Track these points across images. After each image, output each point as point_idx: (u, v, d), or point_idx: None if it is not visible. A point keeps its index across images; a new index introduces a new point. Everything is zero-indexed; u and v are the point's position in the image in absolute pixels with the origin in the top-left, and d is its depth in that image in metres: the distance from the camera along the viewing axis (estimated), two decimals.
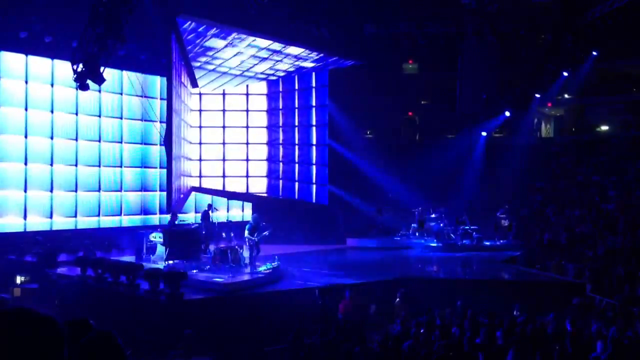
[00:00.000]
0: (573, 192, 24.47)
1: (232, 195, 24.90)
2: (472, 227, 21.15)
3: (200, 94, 24.59)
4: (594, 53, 25.85)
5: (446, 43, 24.77)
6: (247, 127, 25.29)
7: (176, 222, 17.09)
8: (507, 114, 25.95)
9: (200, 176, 24.51)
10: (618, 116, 28.85)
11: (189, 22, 18.11)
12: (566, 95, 29.23)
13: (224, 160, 24.93)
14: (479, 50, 24.98)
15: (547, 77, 26.52)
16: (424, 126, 29.53)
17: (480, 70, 25.58)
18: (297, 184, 24.94)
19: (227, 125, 25.04)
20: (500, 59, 25.56)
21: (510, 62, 25.84)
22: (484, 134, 26.56)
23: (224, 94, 25.01)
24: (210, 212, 17.89)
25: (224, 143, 24.94)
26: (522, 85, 26.17)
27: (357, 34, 23.71)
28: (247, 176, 25.24)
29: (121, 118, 21.37)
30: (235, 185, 25.04)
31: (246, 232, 15.25)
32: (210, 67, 22.14)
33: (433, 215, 22.24)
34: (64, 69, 16.55)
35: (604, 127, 29.65)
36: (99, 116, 20.63)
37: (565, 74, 26.41)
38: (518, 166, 25.47)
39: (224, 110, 25.03)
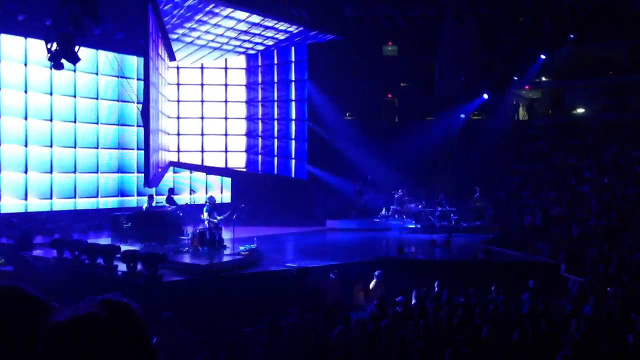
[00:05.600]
0: (549, 174, 24.79)
1: (210, 170, 24.77)
2: (450, 209, 21.34)
3: (178, 68, 24.27)
4: (571, 36, 26.05)
5: (426, 26, 24.71)
6: (226, 101, 25.07)
7: (153, 204, 16.95)
8: (486, 96, 26.10)
9: (178, 151, 24.28)
10: (594, 99, 29.18)
11: None
12: (544, 79, 29.48)
13: (202, 134, 24.72)
14: (459, 33, 25.00)
15: (525, 60, 26.71)
16: (404, 109, 29.60)
17: (460, 53, 25.65)
18: (276, 159, 24.90)
19: (206, 100, 24.79)
20: (479, 42, 25.64)
21: (489, 46, 25.95)
22: (462, 116, 26.70)
23: (202, 68, 24.73)
24: (172, 196, 17.66)
25: (202, 117, 24.72)
26: (501, 69, 26.34)
27: (337, 15, 23.57)
28: (225, 151, 25.09)
29: (97, 98, 21.06)
30: (214, 160, 24.89)
31: (205, 215, 15.10)
32: (188, 39, 21.79)
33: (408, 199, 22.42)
34: (38, 48, 16.21)
35: (581, 110, 30.00)
36: (74, 96, 20.30)
37: (543, 57, 26.61)
38: (495, 148, 25.69)
39: (202, 84, 24.77)
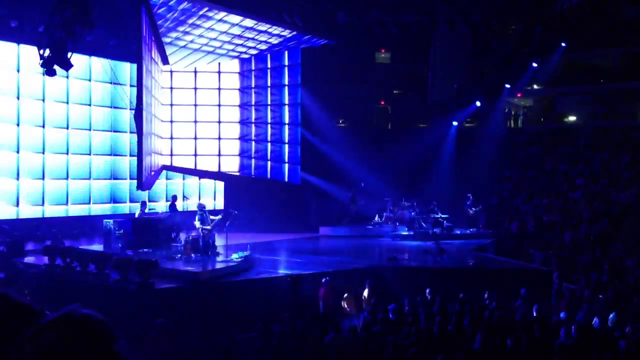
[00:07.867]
0: (541, 181, 24.90)
1: (203, 174, 24.72)
2: (442, 216, 21.35)
3: (171, 72, 24.25)
4: (563, 44, 26.24)
5: (418, 32, 24.83)
6: (219, 105, 25.07)
7: (146, 211, 16.88)
8: (478, 103, 26.22)
9: (171, 155, 24.22)
10: (585, 106, 29.37)
11: None
12: (535, 86, 29.63)
13: (195, 138, 24.69)
14: (451, 40, 25.12)
15: (517, 67, 26.86)
16: (396, 115, 29.67)
17: (452, 59, 25.75)
18: (269, 162, 24.90)
19: (199, 104, 24.80)
20: (472, 49, 25.75)
21: (481, 52, 26.08)
22: (455, 123, 26.79)
23: (195, 72, 24.73)
24: (176, 202, 17.63)
25: (195, 121, 24.70)
26: (493, 75, 26.46)
27: (330, 22, 23.63)
28: (219, 155, 25.07)
29: (90, 105, 21.00)
30: (207, 164, 24.84)
31: (197, 223, 14.96)
32: (182, 43, 21.77)
33: (406, 204, 22.42)
34: (31, 54, 16.16)
35: (572, 117, 30.17)
36: (67, 103, 20.25)
37: (535, 64, 26.78)
38: (488, 155, 25.79)
39: (195, 88, 24.77)
